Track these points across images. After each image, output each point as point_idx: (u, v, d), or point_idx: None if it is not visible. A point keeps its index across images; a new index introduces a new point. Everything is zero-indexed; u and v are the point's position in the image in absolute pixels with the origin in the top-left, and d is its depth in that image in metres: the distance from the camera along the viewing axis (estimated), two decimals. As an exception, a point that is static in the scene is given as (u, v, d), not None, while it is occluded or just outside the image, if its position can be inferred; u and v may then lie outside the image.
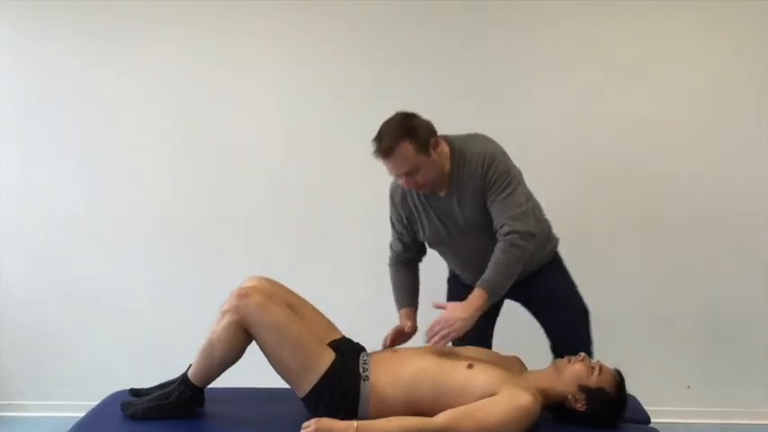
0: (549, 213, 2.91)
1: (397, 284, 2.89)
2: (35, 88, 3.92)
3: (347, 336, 2.70)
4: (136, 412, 2.45)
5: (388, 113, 3.79)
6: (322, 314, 2.68)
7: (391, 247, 2.94)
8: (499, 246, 2.53)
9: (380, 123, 3.81)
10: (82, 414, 2.61)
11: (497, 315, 2.95)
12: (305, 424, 2.26)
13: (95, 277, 3.97)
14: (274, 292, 2.52)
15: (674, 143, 3.76)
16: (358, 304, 3.69)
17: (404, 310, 2.81)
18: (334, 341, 2.57)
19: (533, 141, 3.79)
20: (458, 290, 2.84)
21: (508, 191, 2.55)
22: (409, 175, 2.53)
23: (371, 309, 3.65)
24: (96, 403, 2.68)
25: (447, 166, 2.61)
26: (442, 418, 2.26)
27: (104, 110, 3.90)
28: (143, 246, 3.94)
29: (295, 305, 2.56)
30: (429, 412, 2.31)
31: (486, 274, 2.53)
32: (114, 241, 3.94)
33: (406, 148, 2.49)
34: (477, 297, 2.51)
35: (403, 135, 2.50)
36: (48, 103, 3.91)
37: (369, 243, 3.80)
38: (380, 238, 3.80)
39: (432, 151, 2.52)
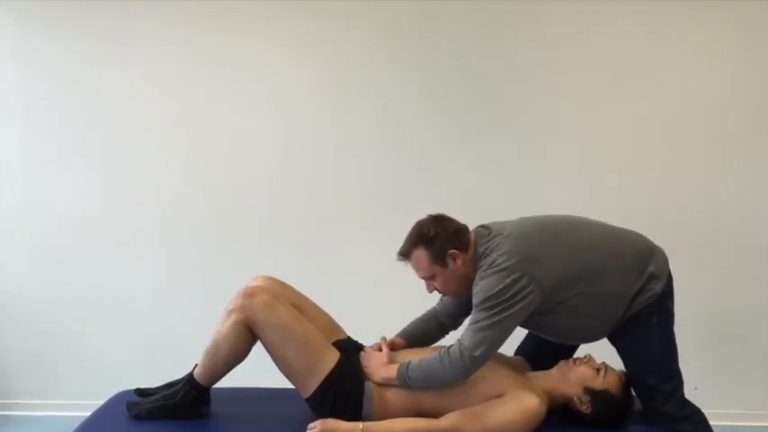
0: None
1: (416, 320, 2.77)
2: (38, 87, 3.91)
3: (350, 334, 2.71)
4: (141, 412, 2.45)
5: (387, 113, 3.85)
6: (327, 314, 2.69)
7: (441, 299, 2.77)
8: (445, 348, 2.36)
9: (380, 123, 3.86)
10: (88, 414, 2.61)
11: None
12: (310, 425, 2.28)
13: (100, 277, 3.96)
14: (280, 292, 2.53)
15: (675, 143, 3.79)
16: (360, 303, 3.69)
17: (396, 337, 2.69)
18: (338, 341, 2.58)
19: (534, 142, 3.82)
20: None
21: (481, 315, 2.31)
22: (427, 280, 2.49)
23: (374, 308, 3.68)
24: (102, 403, 2.68)
25: (472, 274, 2.42)
26: (448, 419, 2.28)
27: (106, 109, 3.90)
28: (146, 245, 3.94)
29: (300, 305, 2.56)
30: (434, 413, 2.32)
31: (414, 363, 2.39)
32: (117, 241, 3.94)
33: (421, 256, 2.43)
34: (391, 370, 2.41)
35: (419, 242, 2.42)
36: (50, 103, 3.91)
37: (370, 242, 3.83)
38: (381, 236, 3.80)
39: (449, 262, 2.41)
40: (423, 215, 2.56)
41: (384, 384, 2.42)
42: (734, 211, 3.80)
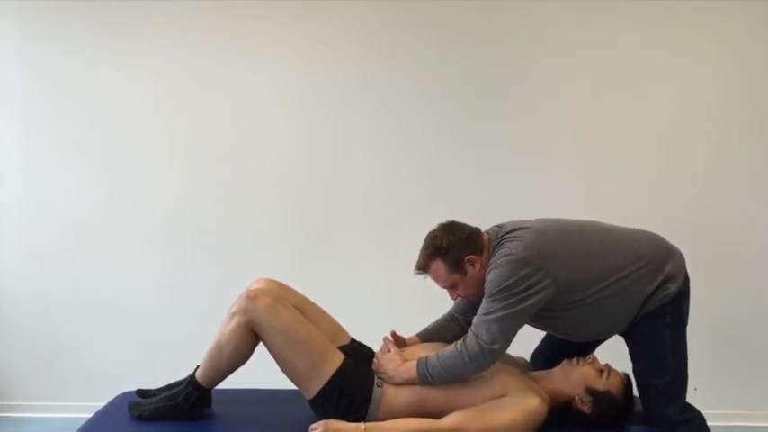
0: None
1: (434, 322, 2.76)
2: (39, 88, 3.91)
3: (354, 337, 2.70)
4: (143, 413, 2.46)
5: (388, 114, 3.84)
6: (330, 317, 2.68)
7: (456, 301, 2.73)
8: (460, 341, 2.35)
9: (381, 123, 3.86)
10: (89, 415, 2.61)
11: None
12: (312, 426, 2.27)
13: (103, 279, 3.96)
14: (283, 295, 2.52)
15: (677, 144, 3.82)
16: (363, 306, 3.69)
17: (413, 337, 2.70)
18: (342, 345, 2.57)
19: (535, 142, 3.82)
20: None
21: (494, 305, 2.31)
22: (449, 289, 2.49)
23: (377, 310, 3.68)
24: (104, 404, 2.68)
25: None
26: (450, 419, 2.28)
27: (107, 110, 3.90)
28: (150, 247, 3.94)
29: (303, 307, 2.56)
30: (438, 413, 2.33)
31: (433, 359, 2.37)
32: (121, 243, 3.94)
33: (439, 268, 2.42)
34: (410, 369, 2.40)
35: (434, 255, 2.41)
36: (54, 105, 3.91)
37: (373, 244, 3.84)
38: (384, 238, 3.83)
39: (468, 269, 2.40)
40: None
41: (403, 384, 2.40)
42: (736, 210, 3.83)
